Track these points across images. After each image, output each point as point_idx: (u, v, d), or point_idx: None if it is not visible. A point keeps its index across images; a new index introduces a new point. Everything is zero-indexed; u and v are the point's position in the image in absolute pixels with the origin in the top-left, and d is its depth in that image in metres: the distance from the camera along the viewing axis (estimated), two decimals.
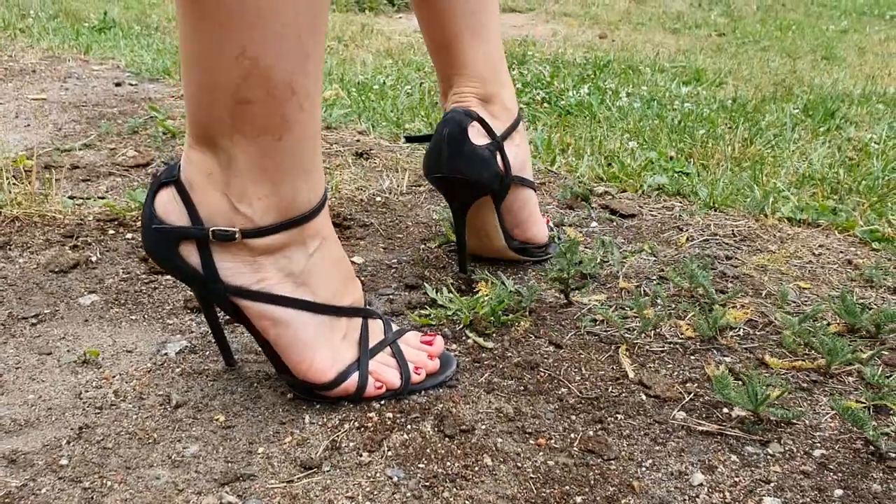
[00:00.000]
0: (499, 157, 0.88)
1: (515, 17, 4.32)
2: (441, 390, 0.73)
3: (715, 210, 1.17)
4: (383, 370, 0.71)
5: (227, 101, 0.61)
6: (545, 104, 2.17)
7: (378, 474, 0.61)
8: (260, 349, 0.75)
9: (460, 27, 0.87)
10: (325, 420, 0.68)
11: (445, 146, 0.85)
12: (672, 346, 0.81)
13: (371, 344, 0.72)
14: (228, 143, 0.63)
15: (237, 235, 0.65)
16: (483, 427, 0.67)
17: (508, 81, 0.91)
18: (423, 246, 1.05)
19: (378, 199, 1.22)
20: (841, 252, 1.03)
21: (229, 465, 0.62)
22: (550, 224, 1.05)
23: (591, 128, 1.83)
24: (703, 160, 1.57)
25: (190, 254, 0.66)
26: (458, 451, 0.64)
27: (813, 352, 0.78)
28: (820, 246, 1.04)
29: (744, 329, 0.83)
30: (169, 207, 0.66)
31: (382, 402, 0.71)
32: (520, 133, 0.92)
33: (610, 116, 1.96)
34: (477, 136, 0.87)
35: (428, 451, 0.64)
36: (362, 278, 0.95)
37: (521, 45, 3.18)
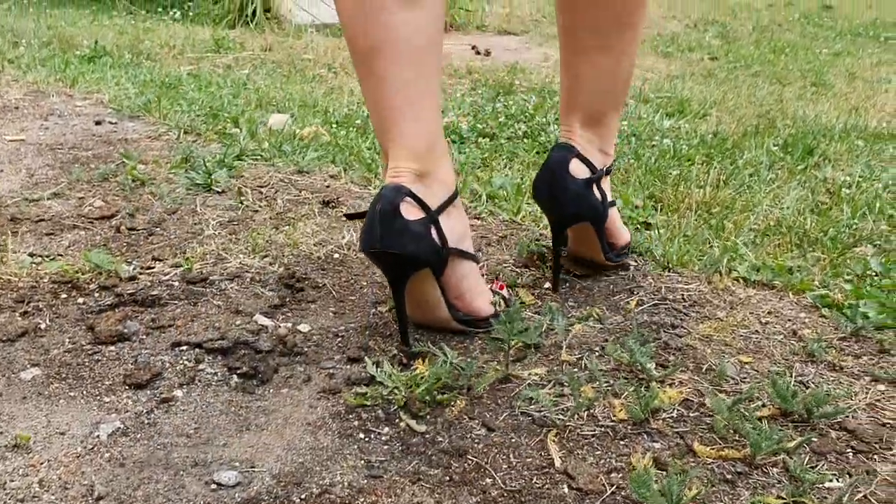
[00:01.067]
0: (433, 231, 0.89)
1: (509, 39, 4.33)
2: (365, 481, 0.73)
3: (669, 270, 1.17)
4: None
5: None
6: (526, 138, 2.18)
7: None
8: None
9: (396, 98, 0.88)
10: None
11: (377, 222, 0.86)
12: (603, 429, 0.80)
13: None
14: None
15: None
16: None
17: (445, 154, 0.92)
18: (373, 310, 1.05)
19: (336, 255, 1.23)
20: (789, 320, 1.02)
21: None
22: (505, 291, 1.05)
23: None
24: (673, 206, 1.57)
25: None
26: None
27: (742, 438, 0.78)
28: (769, 313, 1.04)
29: (678, 410, 0.83)
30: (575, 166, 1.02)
31: (304, 496, 0.71)
32: (457, 207, 0.93)
33: None
34: (409, 211, 0.87)
35: None
36: (306, 349, 0.96)
37: (509, 73, 3.18)
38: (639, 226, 1.39)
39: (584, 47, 1.03)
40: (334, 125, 2.19)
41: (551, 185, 1.02)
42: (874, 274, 1.19)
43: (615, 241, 1.15)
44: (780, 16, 5.27)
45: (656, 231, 1.34)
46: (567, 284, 1.13)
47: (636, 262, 1.19)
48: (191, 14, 4.15)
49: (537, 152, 2.02)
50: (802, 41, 4.26)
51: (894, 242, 1.36)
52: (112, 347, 0.95)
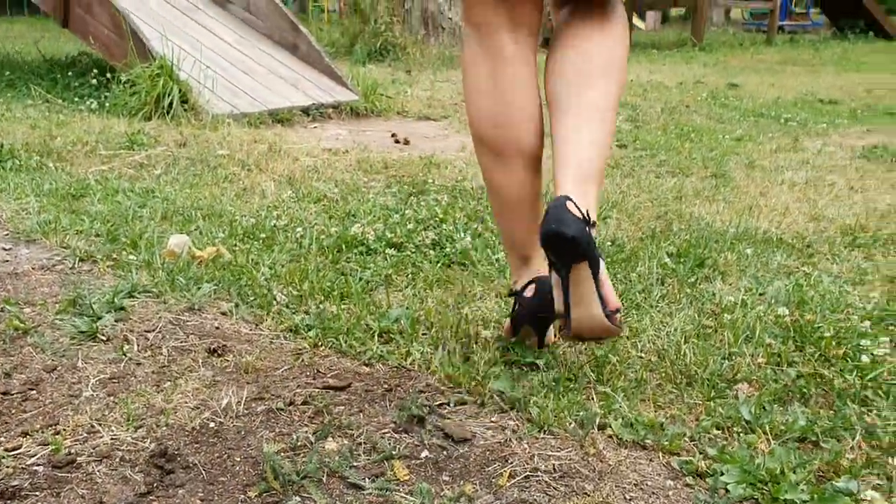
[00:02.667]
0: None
1: (429, 126, 4.40)
2: None
3: (544, 432, 1.18)
4: None
5: None
6: (434, 248, 2.20)
7: None
8: None
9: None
10: None
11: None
12: None
13: None
14: None
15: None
16: None
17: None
18: (242, 496, 1.04)
19: (211, 424, 1.21)
20: (653, 493, 1.05)
21: None
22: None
23: (466, 290, 1.85)
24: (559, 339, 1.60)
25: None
26: None
27: None
28: (635, 485, 1.06)
29: None
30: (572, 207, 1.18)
31: None
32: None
33: (489, 272, 2.00)
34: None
35: None
36: None
37: (424, 168, 3.23)
38: (523, 366, 1.42)
39: (572, 109, 1.25)
40: (238, 239, 2.18)
41: (558, 219, 1.15)
42: (744, 423, 1.23)
43: (607, 296, 1.21)
44: (689, 95, 5.51)
45: (541, 374, 1.37)
46: (444, 452, 1.14)
47: (515, 420, 1.21)
48: (107, 105, 4.11)
49: (442, 265, 2.05)
50: (708, 124, 4.44)
51: (769, 379, 1.41)
52: None
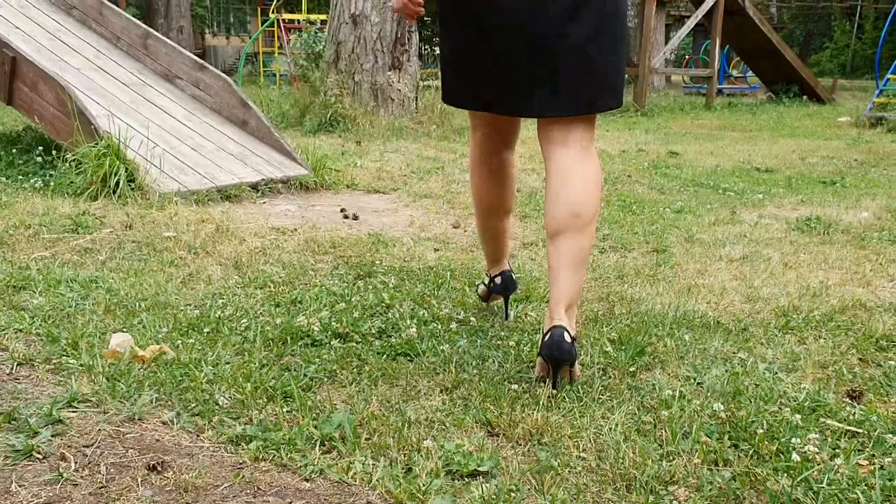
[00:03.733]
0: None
1: (379, 199, 4.45)
2: None
3: None
4: None
5: None
6: (381, 337, 2.21)
7: None
8: None
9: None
10: None
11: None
12: None
13: None
14: None
15: None
16: None
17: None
18: None
19: None
20: None
21: None
22: None
23: (410, 387, 1.86)
24: (507, 433, 1.62)
25: None
26: None
27: None
28: None
29: None
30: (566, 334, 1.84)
31: None
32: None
33: (435, 364, 2.01)
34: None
35: None
36: None
37: (372, 246, 3.26)
38: (466, 477, 1.43)
39: (563, 260, 1.85)
40: (182, 332, 2.16)
41: (559, 347, 1.79)
42: None
43: (574, 372, 1.91)
44: (632, 164, 5.67)
45: (482, 487, 1.38)
46: None
47: None
48: (52, 184, 4.07)
49: (387, 356, 2.05)
50: (650, 195, 4.58)
51: (705, 481, 1.44)
52: None
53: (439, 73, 2.69)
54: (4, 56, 4.46)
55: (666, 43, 15.36)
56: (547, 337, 1.79)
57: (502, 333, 2.22)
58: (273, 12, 13.76)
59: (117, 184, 3.87)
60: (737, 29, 12.13)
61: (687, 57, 19.97)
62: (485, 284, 2.39)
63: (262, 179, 4.40)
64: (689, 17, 12.76)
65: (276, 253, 3.12)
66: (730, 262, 3.10)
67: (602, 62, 1.79)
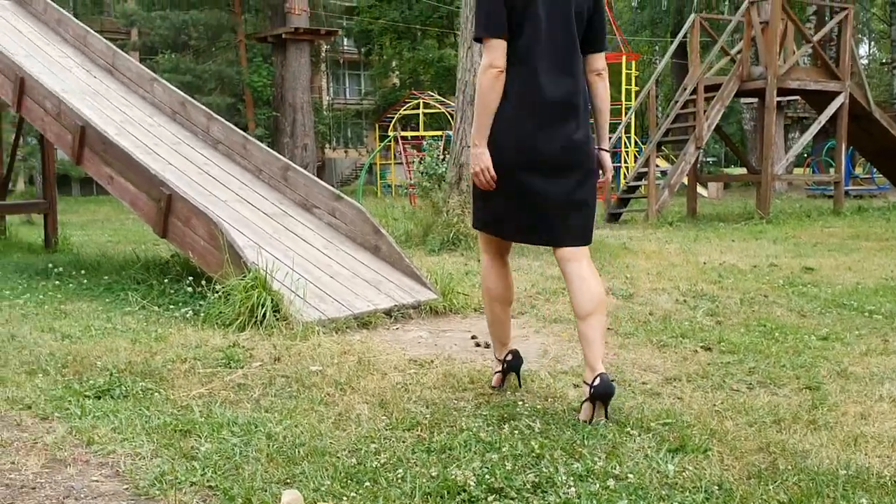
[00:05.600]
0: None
1: None
2: None
3: None
4: None
5: None
6: (537, 492, 2.19)
7: None
8: None
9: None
10: None
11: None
12: None
13: None
14: None
15: None
16: None
17: None
18: None
19: None
20: None
21: None
22: None
23: None
24: None
25: None
26: None
27: None
28: None
29: None
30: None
31: None
32: None
33: None
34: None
35: None
36: None
37: (510, 384, 3.25)
38: None
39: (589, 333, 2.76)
40: (343, 483, 2.21)
41: (608, 387, 2.67)
42: None
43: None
44: (766, 282, 5.50)
45: None
46: None
47: None
48: (202, 314, 4.32)
49: None
50: (790, 318, 4.41)
51: None
52: None
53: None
54: (161, 194, 4.86)
55: (785, 145, 15.08)
56: (597, 381, 2.65)
57: (663, 493, 2.16)
58: (392, 130, 14.50)
59: (264, 315, 4.07)
60: (862, 132, 11.79)
61: (808, 157, 19.40)
62: (499, 371, 3.12)
63: (395, 305, 4.53)
64: (806, 117, 12.56)
65: (418, 389, 3.16)
66: (893, 404, 2.92)
67: (593, 206, 2.90)
